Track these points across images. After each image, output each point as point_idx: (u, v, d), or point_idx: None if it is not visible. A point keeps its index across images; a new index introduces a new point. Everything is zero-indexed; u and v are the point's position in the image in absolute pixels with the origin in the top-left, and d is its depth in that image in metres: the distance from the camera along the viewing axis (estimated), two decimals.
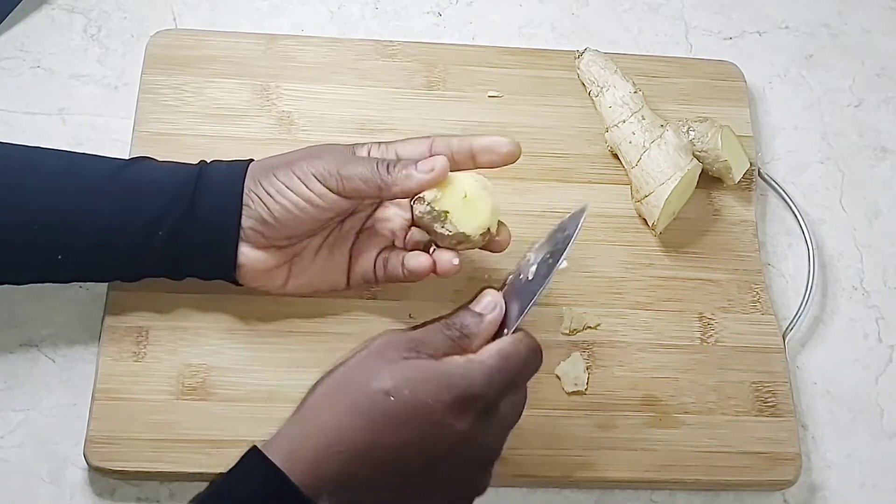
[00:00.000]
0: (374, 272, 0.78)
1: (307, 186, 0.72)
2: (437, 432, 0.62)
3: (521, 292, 0.68)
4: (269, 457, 0.61)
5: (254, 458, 0.62)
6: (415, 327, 0.67)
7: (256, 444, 0.62)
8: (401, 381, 0.62)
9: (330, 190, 0.72)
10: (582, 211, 0.69)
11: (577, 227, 0.68)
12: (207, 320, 0.81)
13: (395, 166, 0.71)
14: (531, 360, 0.66)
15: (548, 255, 0.69)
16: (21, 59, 0.92)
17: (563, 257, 0.66)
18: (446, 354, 0.65)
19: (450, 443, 0.63)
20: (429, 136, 0.75)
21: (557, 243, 0.68)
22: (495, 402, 0.65)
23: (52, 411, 0.79)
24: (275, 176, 0.73)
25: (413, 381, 0.62)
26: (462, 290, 0.84)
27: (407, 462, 0.63)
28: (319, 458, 0.61)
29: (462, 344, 0.66)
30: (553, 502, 0.80)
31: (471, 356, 0.64)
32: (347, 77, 0.92)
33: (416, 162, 0.72)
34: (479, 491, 0.67)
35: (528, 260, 0.70)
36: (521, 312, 0.67)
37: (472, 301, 0.68)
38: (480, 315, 0.67)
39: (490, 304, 0.67)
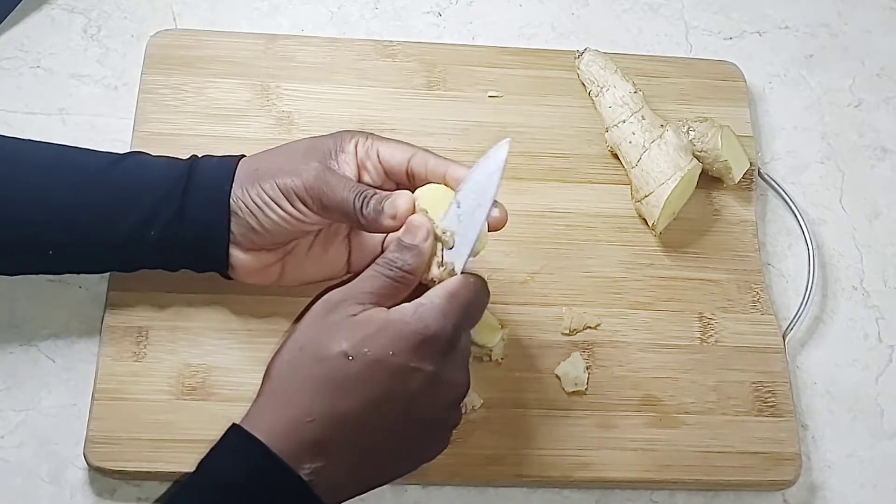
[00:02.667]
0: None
1: (291, 205, 0.72)
2: (405, 380, 0.64)
3: (459, 235, 0.69)
4: (249, 430, 0.63)
5: (236, 434, 0.64)
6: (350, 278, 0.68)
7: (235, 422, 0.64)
8: (358, 341, 0.64)
9: (312, 212, 0.72)
10: (504, 145, 0.69)
11: (502, 165, 0.69)
12: (207, 320, 0.81)
13: (368, 203, 0.69)
14: (479, 294, 0.68)
15: (474, 197, 0.69)
16: (21, 59, 0.92)
17: (492, 198, 0.69)
18: (391, 297, 0.66)
19: (419, 386, 0.64)
20: (412, 147, 0.74)
21: (482, 183, 0.69)
22: (454, 339, 0.66)
23: (52, 411, 0.79)
24: (261, 187, 0.72)
25: (369, 337, 0.64)
26: None
27: (381, 415, 0.64)
28: (295, 429, 0.63)
29: (406, 282, 0.67)
30: (553, 502, 0.80)
31: (419, 300, 0.66)
32: (347, 77, 0.92)
33: (384, 202, 0.70)
34: (453, 425, 0.69)
35: (457, 202, 0.70)
36: (464, 255, 0.68)
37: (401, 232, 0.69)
38: (416, 247, 0.67)
39: (422, 231, 0.68)
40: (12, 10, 0.94)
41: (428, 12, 1.00)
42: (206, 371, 0.79)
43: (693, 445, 0.80)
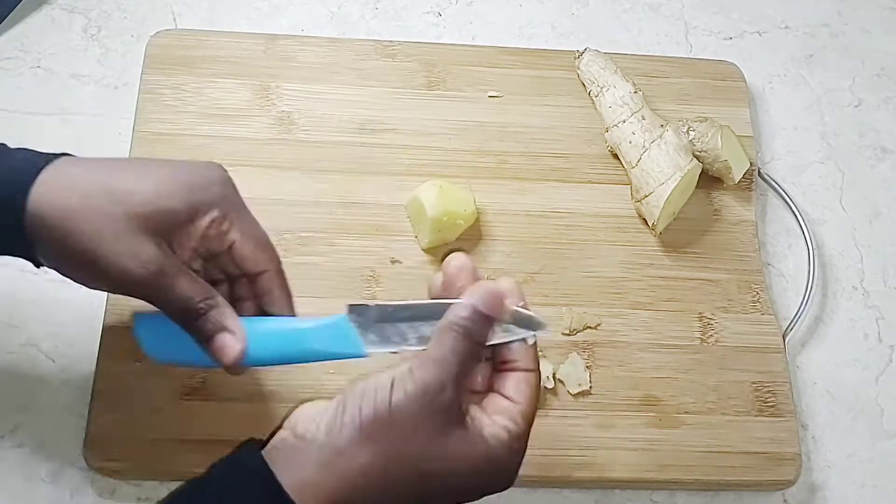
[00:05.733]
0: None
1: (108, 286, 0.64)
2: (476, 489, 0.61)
3: None
4: (276, 474, 0.57)
5: (258, 465, 0.58)
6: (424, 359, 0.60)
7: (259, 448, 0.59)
8: (456, 472, 0.59)
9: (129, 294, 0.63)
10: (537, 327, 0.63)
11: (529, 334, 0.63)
12: None
13: (198, 319, 0.63)
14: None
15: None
16: (21, 59, 0.92)
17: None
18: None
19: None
20: (271, 261, 0.67)
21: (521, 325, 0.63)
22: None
23: (52, 411, 0.79)
24: (71, 247, 0.61)
25: (466, 470, 0.60)
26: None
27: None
28: (333, 499, 0.58)
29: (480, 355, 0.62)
30: (553, 502, 0.80)
31: (509, 431, 0.61)
32: (347, 77, 0.92)
33: (224, 337, 0.64)
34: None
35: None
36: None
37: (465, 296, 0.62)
38: (490, 320, 0.61)
39: (494, 300, 0.61)
40: (12, 10, 0.94)
41: (428, 12, 1.00)
42: (206, 371, 0.79)
43: (693, 445, 0.80)
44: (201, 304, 0.64)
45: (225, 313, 0.64)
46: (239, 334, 0.64)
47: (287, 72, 0.92)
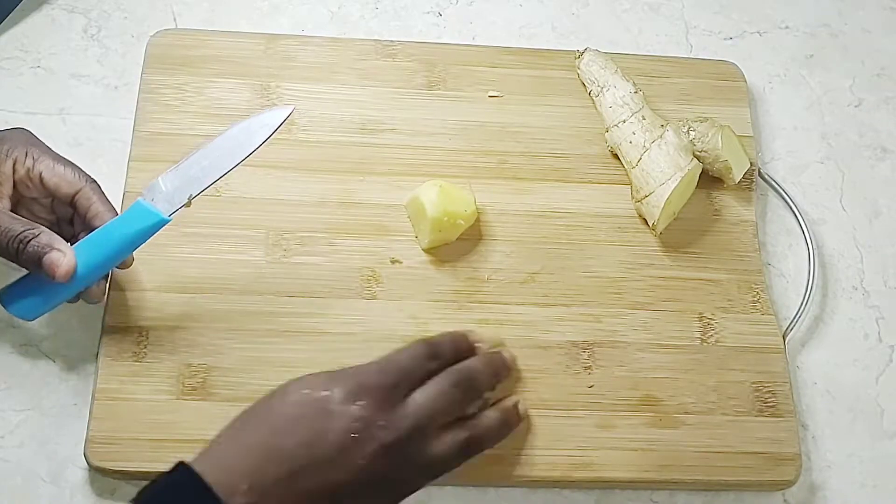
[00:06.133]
0: None
1: None
2: (331, 418, 0.66)
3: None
4: (190, 464, 0.63)
5: (177, 467, 0.64)
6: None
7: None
8: (298, 385, 0.67)
9: None
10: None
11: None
12: (207, 320, 0.81)
13: (24, 250, 0.71)
14: (419, 353, 0.71)
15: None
16: (21, 59, 0.92)
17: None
18: None
19: (345, 426, 0.66)
20: (80, 179, 0.75)
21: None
22: (395, 393, 0.68)
23: (52, 411, 0.79)
24: None
25: (309, 383, 0.67)
26: (461, 290, 0.84)
27: (312, 453, 0.65)
28: (231, 456, 0.65)
29: None
30: (553, 502, 0.80)
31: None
32: (348, 77, 0.92)
33: (44, 255, 0.72)
34: (403, 489, 0.69)
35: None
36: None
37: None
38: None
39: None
40: (12, 10, 0.94)
41: (428, 12, 1.00)
42: (206, 371, 0.79)
43: (693, 445, 0.80)
44: (23, 234, 0.72)
45: (49, 237, 0.72)
46: (66, 250, 0.72)
47: (287, 72, 0.92)
